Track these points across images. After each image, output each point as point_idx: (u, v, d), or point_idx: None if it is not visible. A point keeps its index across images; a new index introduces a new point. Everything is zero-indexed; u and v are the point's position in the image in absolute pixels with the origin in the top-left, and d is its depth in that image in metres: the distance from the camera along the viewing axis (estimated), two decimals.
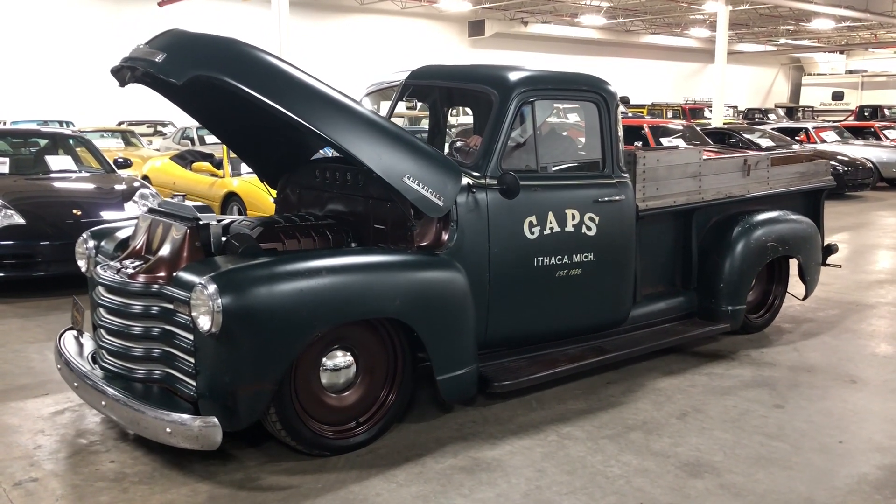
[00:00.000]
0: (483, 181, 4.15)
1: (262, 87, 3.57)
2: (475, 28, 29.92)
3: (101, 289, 3.86)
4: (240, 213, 8.81)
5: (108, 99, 22.15)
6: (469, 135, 5.13)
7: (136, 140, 15.92)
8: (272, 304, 3.35)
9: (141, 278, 3.70)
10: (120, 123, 19.56)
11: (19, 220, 6.84)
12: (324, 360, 3.63)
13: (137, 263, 3.85)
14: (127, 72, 3.82)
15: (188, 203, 4.02)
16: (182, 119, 20.33)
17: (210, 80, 3.53)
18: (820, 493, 3.38)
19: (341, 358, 3.68)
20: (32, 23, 22.44)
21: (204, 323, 3.29)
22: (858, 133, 19.67)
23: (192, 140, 16.47)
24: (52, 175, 7.93)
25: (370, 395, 3.82)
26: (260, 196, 8.60)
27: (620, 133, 4.73)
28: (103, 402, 3.58)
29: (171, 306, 3.58)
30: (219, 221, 3.91)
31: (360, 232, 4.34)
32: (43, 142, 8.97)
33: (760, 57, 41.27)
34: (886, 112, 29.40)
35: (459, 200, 4.04)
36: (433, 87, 4.93)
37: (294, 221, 4.28)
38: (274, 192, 5.05)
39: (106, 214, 7.17)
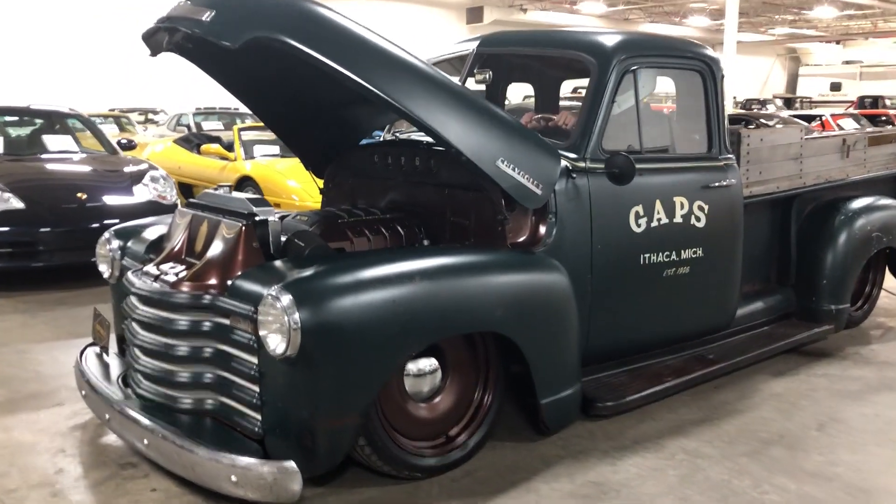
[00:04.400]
0: (583, 164, 3.51)
1: (333, 53, 2.90)
2: (473, 15, 29.15)
3: (133, 300, 3.18)
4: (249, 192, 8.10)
5: (97, 86, 21.32)
6: (521, 114, 4.50)
7: (131, 126, 15.13)
8: (361, 319, 2.69)
9: (186, 287, 3.01)
10: (111, 110, 18.71)
11: (18, 204, 6.12)
12: (407, 365, 2.98)
13: (180, 269, 3.16)
14: (164, 35, 3.14)
15: (238, 194, 3.34)
16: (175, 106, 19.55)
17: (269, 44, 2.85)
18: None
19: (425, 362, 3.01)
20: (13, 6, 21.49)
21: (276, 344, 2.63)
22: (872, 121, 19.15)
23: (188, 127, 15.68)
24: (51, 156, 7.17)
25: (462, 402, 3.18)
26: (277, 180, 7.92)
27: (726, 108, 4.10)
28: (146, 441, 2.90)
29: (226, 322, 2.91)
30: (281, 218, 3.24)
31: (433, 227, 3.67)
32: (39, 121, 8.18)
33: (757, 47, 40.67)
34: (887, 102, 28.99)
35: (558, 188, 3.39)
36: (512, 55, 4.26)
37: (358, 215, 3.61)
38: (320, 182, 4.36)
39: (113, 199, 6.49)
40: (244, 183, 8.23)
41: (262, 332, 2.68)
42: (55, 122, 8.13)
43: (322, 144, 4.22)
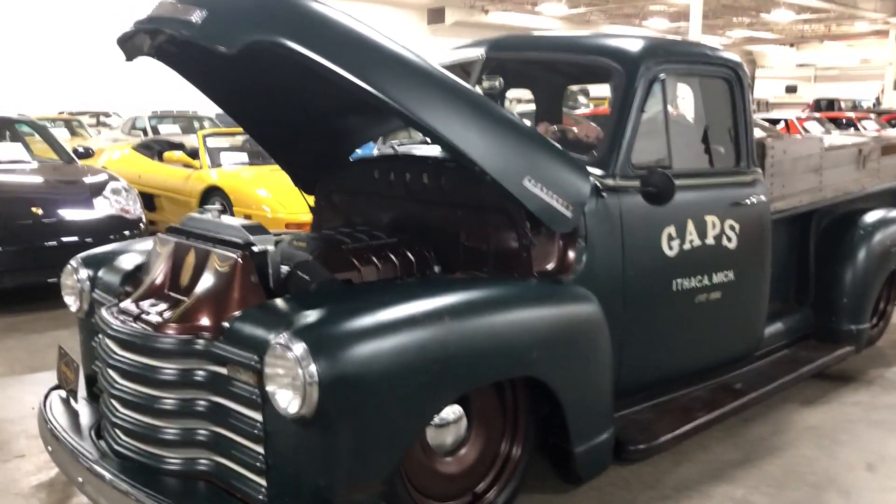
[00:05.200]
0: (613, 181, 3.17)
1: (341, 59, 2.54)
2: (435, 16, 28.81)
3: (110, 343, 2.74)
4: (224, 212, 7.61)
5: (39, 88, 20.33)
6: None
7: (83, 130, 14.40)
8: (386, 370, 2.31)
9: (173, 329, 2.59)
10: (60, 113, 17.87)
11: None
12: None
13: (163, 307, 2.74)
14: (145, 38, 2.72)
15: (230, 219, 2.93)
16: (128, 108, 18.72)
17: (270, 49, 2.47)
18: None
19: (449, 410, 2.63)
20: None
21: (287, 401, 2.24)
22: (835, 124, 19.23)
23: (143, 131, 15.03)
24: None
25: (487, 453, 2.82)
26: (248, 190, 7.44)
27: (752, 119, 3.82)
28: None
29: (223, 371, 2.50)
30: (277, 244, 2.83)
31: (444, 251, 3.30)
32: None
33: None
34: (842, 104, 29.42)
35: (587, 209, 3.05)
36: (525, 60, 3.89)
37: (362, 239, 3.22)
38: (310, 198, 3.96)
39: (71, 214, 5.97)
40: (211, 193, 7.74)
41: (269, 388, 2.28)
42: (2, 128, 7.57)
43: (312, 157, 3.82)
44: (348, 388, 2.25)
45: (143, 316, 2.70)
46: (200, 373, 2.54)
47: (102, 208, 6.10)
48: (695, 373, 3.65)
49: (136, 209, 6.29)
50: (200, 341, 2.54)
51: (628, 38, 3.54)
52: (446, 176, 3.27)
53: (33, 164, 6.75)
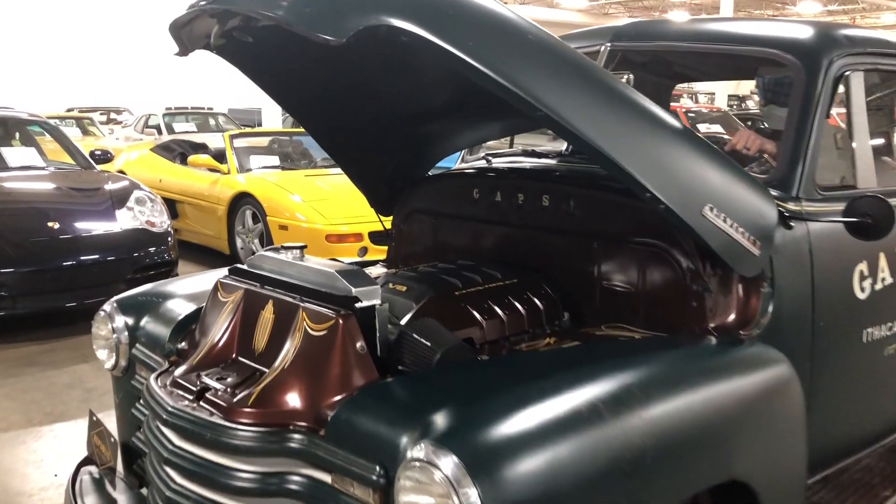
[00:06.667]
0: (798, 207, 2.48)
1: (482, 53, 1.86)
2: None
3: (164, 430, 2.06)
4: (254, 220, 6.95)
5: (46, 82, 19.60)
6: None
7: (96, 129, 13.72)
8: (569, 492, 1.62)
9: (251, 417, 1.91)
10: (69, 110, 17.15)
11: None
12: None
13: (234, 380, 2.05)
14: (212, 25, 2.04)
15: (320, 261, 2.24)
16: (140, 105, 17.96)
17: (388, 37, 1.79)
18: None
19: None
20: None
21: None
22: None
23: (157, 128, 14.39)
24: (11, 174, 5.90)
25: None
26: (281, 197, 6.76)
27: None
28: None
29: (326, 479, 1.82)
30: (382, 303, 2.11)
31: (571, 295, 2.61)
32: None
33: None
34: None
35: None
36: (661, 52, 3.18)
37: (473, 279, 2.52)
38: (387, 221, 3.27)
39: (92, 227, 5.31)
40: (241, 200, 7.06)
41: None
42: (13, 129, 6.90)
43: (391, 170, 3.14)
44: None
45: (209, 395, 2.02)
46: (294, 479, 1.86)
47: (126, 221, 5.43)
48: (877, 439, 2.96)
49: (162, 221, 5.61)
50: (294, 436, 1.85)
51: (794, 25, 2.85)
52: (577, 199, 2.58)
53: (48, 171, 6.07)
